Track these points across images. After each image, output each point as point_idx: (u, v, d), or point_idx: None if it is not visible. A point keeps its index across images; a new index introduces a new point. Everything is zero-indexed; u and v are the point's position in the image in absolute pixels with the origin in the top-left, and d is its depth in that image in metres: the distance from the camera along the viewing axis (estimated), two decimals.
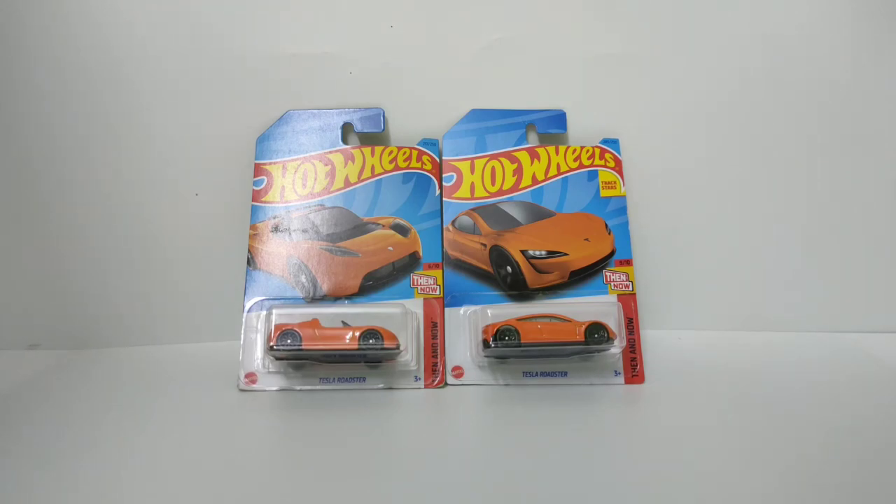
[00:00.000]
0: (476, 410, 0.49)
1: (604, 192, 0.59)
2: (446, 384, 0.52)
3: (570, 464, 0.39)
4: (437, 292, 0.55)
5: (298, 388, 0.51)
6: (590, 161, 0.60)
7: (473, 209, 0.58)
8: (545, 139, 0.61)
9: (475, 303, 0.55)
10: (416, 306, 0.54)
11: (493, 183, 0.59)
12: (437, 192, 0.58)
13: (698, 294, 0.63)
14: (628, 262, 0.57)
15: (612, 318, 0.52)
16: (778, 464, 0.38)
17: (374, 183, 0.58)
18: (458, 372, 0.53)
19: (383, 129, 0.59)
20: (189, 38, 0.60)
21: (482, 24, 0.62)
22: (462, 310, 0.55)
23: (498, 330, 0.50)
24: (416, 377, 0.52)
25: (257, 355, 0.52)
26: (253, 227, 0.56)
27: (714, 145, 0.62)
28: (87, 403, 0.50)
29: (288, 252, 0.55)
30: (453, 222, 0.57)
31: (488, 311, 0.53)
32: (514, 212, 0.58)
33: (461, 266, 0.56)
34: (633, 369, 0.54)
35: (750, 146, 0.62)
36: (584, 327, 0.50)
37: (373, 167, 0.58)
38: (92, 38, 0.59)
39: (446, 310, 0.55)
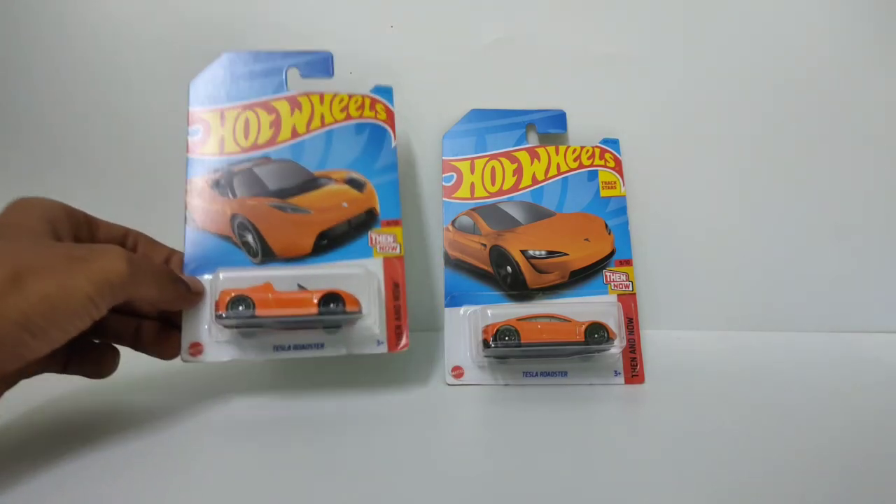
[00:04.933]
0: (475, 410, 0.49)
1: (604, 192, 0.59)
2: (410, 348, 0.49)
3: (570, 464, 0.39)
4: (398, 251, 0.51)
5: (252, 357, 0.47)
6: (590, 161, 0.60)
7: (473, 209, 0.58)
8: (545, 139, 0.62)
9: (475, 303, 0.55)
10: (375, 266, 0.50)
11: (493, 183, 0.58)
12: (393, 143, 0.54)
13: (698, 294, 0.63)
14: (628, 262, 0.57)
15: (612, 318, 0.52)
16: (778, 464, 0.38)
17: (324, 134, 0.53)
18: (459, 372, 0.53)
19: (332, 75, 0.54)
20: (183, 35, 0.62)
21: (482, 24, 0.62)
22: (462, 310, 0.55)
23: (498, 330, 0.50)
24: (378, 341, 0.49)
25: (204, 324, 0.47)
26: (189, 181, 0.50)
27: (714, 145, 0.62)
28: None
29: (231, 209, 0.50)
30: (453, 222, 0.58)
31: (488, 311, 0.53)
32: (514, 212, 0.58)
33: (461, 266, 0.56)
34: (633, 369, 0.54)
35: (750, 146, 0.62)
36: (584, 327, 0.50)
37: (322, 116, 0.53)
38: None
39: (446, 310, 0.55)
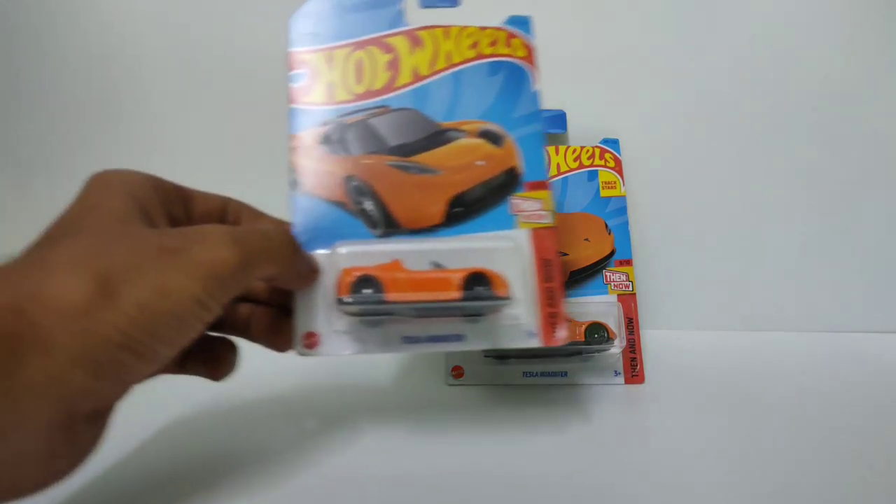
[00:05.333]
0: (474, 411, 0.48)
1: (604, 192, 0.59)
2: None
3: (570, 465, 0.39)
4: (547, 219, 0.41)
5: (378, 351, 0.38)
6: (590, 161, 0.59)
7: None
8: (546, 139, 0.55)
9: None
10: (520, 239, 0.41)
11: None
12: (534, 86, 0.44)
13: (698, 294, 0.62)
14: (628, 262, 0.56)
15: (611, 318, 0.51)
16: (778, 464, 0.38)
17: (451, 76, 0.43)
18: (458, 372, 0.52)
19: (457, 3, 0.44)
20: (185, 37, 0.62)
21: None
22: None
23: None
24: (529, 332, 0.39)
25: (319, 309, 0.38)
26: (293, 136, 0.41)
27: (713, 145, 0.61)
28: None
29: (345, 170, 0.41)
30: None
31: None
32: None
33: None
34: (633, 369, 0.54)
35: (749, 146, 0.61)
36: (583, 328, 0.50)
37: (448, 55, 0.43)
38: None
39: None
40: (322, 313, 0.38)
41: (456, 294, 0.36)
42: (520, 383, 0.52)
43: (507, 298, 0.37)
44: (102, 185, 0.33)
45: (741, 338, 0.60)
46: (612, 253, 0.56)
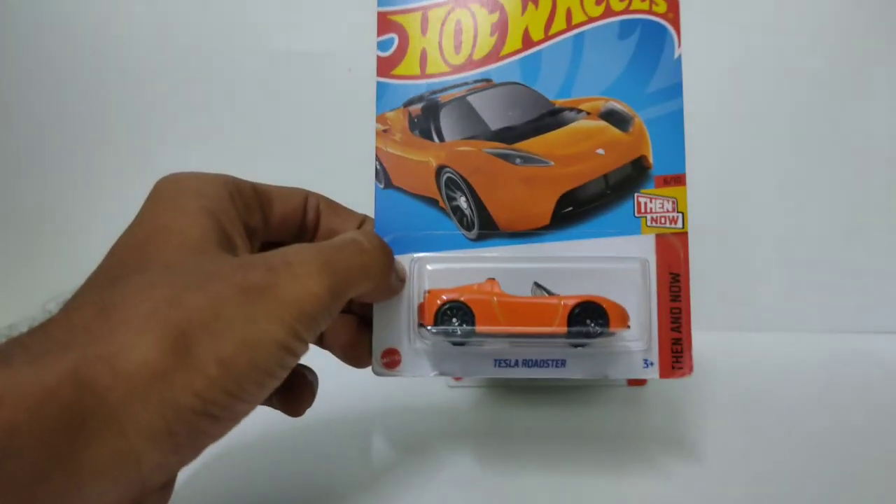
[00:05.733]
0: (474, 411, 0.45)
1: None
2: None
3: (571, 465, 0.38)
4: (679, 223, 0.34)
5: (465, 373, 0.34)
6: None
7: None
8: None
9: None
10: (644, 248, 0.34)
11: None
12: (677, 51, 0.35)
13: (699, 294, 0.58)
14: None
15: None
16: (778, 464, 0.38)
17: (571, 40, 0.35)
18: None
19: None
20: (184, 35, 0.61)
21: None
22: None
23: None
24: (645, 361, 0.33)
25: (401, 325, 0.34)
26: (380, 118, 0.36)
27: (714, 147, 0.59)
28: None
29: (438, 159, 0.35)
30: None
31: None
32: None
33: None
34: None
35: (752, 147, 0.60)
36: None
37: (569, 13, 0.35)
38: None
39: None
40: (405, 328, 0.33)
41: (560, 328, 0.30)
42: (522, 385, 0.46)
43: (622, 331, 0.31)
44: (172, 197, 0.29)
45: (741, 338, 0.57)
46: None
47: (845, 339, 0.58)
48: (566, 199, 0.34)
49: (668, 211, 0.34)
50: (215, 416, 0.24)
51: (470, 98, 0.35)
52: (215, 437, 0.25)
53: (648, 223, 0.34)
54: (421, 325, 0.31)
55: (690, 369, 0.33)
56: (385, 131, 0.35)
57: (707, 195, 0.57)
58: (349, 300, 0.31)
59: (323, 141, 0.62)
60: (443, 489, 0.36)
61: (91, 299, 0.25)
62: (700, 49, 0.56)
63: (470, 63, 0.35)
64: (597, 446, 0.40)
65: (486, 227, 0.34)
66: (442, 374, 0.33)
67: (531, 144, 0.35)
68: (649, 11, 0.35)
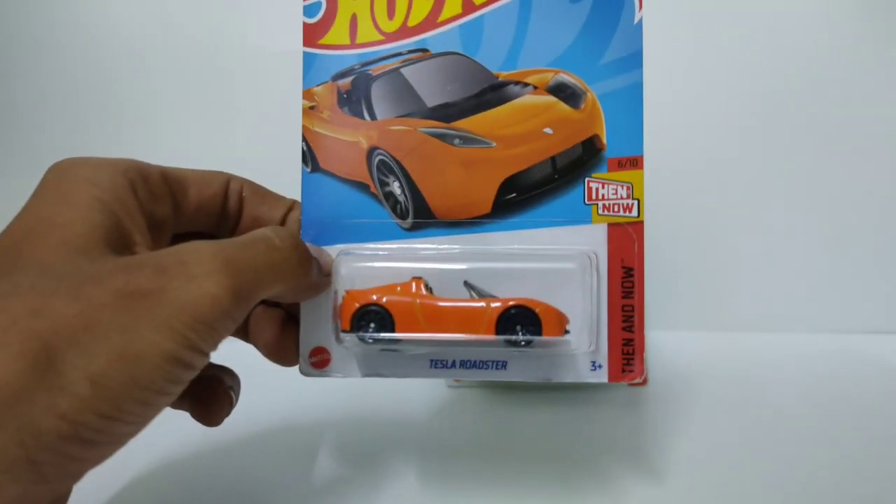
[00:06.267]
0: (474, 413, 0.44)
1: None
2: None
3: (571, 467, 0.38)
4: (633, 212, 0.31)
5: (398, 375, 0.31)
6: None
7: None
8: None
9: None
10: (594, 238, 0.30)
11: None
12: (637, 14, 0.31)
13: (699, 294, 0.61)
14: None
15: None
16: (778, 464, 0.38)
17: (516, 3, 0.31)
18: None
19: None
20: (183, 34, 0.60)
21: None
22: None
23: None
24: (593, 363, 0.30)
25: (330, 322, 0.31)
26: (307, 93, 0.32)
27: (714, 145, 0.59)
28: None
29: (369, 139, 0.32)
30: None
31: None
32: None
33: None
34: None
35: (750, 146, 0.59)
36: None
37: None
38: None
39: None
40: (336, 325, 0.31)
41: (488, 334, 0.27)
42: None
43: (558, 339, 0.28)
44: (61, 188, 0.26)
45: (741, 338, 0.57)
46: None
47: (845, 339, 0.57)
48: (509, 185, 0.31)
49: (622, 198, 0.30)
50: (89, 441, 0.22)
51: (404, 70, 0.31)
52: (94, 461, 0.23)
53: (600, 211, 0.30)
54: (338, 329, 0.29)
55: (642, 373, 0.30)
56: (312, 108, 0.32)
57: (707, 195, 0.58)
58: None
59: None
60: (443, 490, 0.35)
61: None
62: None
63: (404, 30, 0.31)
64: (595, 447, 0.40)
65: (421, 216, 0.31)
66: (374, 375, 0.31)
67: (471, 123, 0.31)
68: None
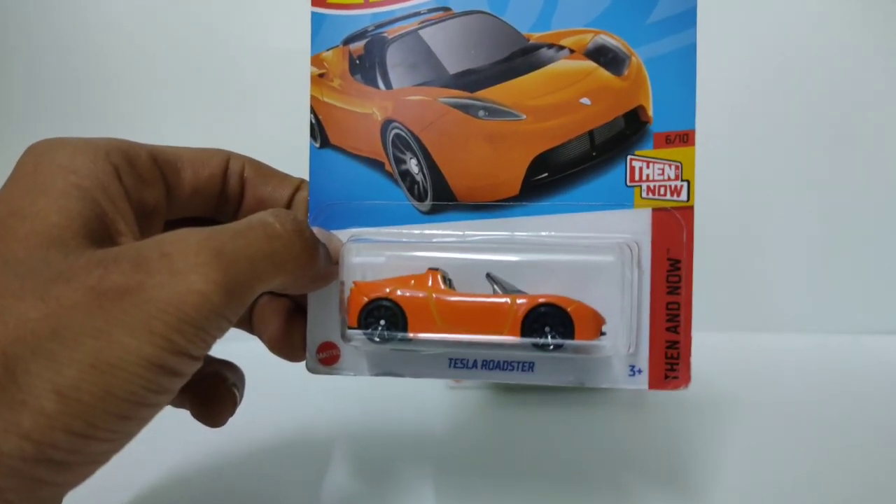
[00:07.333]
0: (474, 413, 0.44)
1: None
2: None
3: (571, 468, 0.37)
4: (682, 195, 0.27)
5: (413, 375, 0.28)
6: None
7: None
8: None
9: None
10: (637, 225, 0.27)
11: None
12: None
13: (699, 294, 0.53)
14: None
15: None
16: (779, 464, 0.37)
17: None
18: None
19: None
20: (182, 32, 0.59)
21: None
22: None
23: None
24: (631, 368, 0.27)
25: (337, 317, 0.28)
26: (316, 59, 0.29)
27: (714, 146, 0.54)
28: None
29: (383, 112, 0.28)
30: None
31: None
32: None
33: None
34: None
35: (753, 147, 0.59)
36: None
37: None
38: None
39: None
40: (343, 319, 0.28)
41: (512, 335, 0.24)
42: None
43: (594, 343, 0.24)
44: (33, 173, 0.23)
45: (742, 338, 0.57)
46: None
47: (845, 339, 0.57)
48: (540, 163, 0.27)
49: (669, 178, 0.27)
50: (59, 463, 0.19)
51: (423, 32, 0.28)
52: (70, 484, 0.20)
53: (644, 194, 0.27)
54: (344, 326, 0.26)
55: (688, 380, 0.26)
56: (321, 76, 0.29)
57: (708, 196, 0.58)
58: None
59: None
60: (443, 490, 0.35)
61: None
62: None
63: None
64: (598, 449, 0.39)
65: (440, 198, 0.28)
66: (387, 374, 0.28)
67: (498, 92, 0.27)
68: None
